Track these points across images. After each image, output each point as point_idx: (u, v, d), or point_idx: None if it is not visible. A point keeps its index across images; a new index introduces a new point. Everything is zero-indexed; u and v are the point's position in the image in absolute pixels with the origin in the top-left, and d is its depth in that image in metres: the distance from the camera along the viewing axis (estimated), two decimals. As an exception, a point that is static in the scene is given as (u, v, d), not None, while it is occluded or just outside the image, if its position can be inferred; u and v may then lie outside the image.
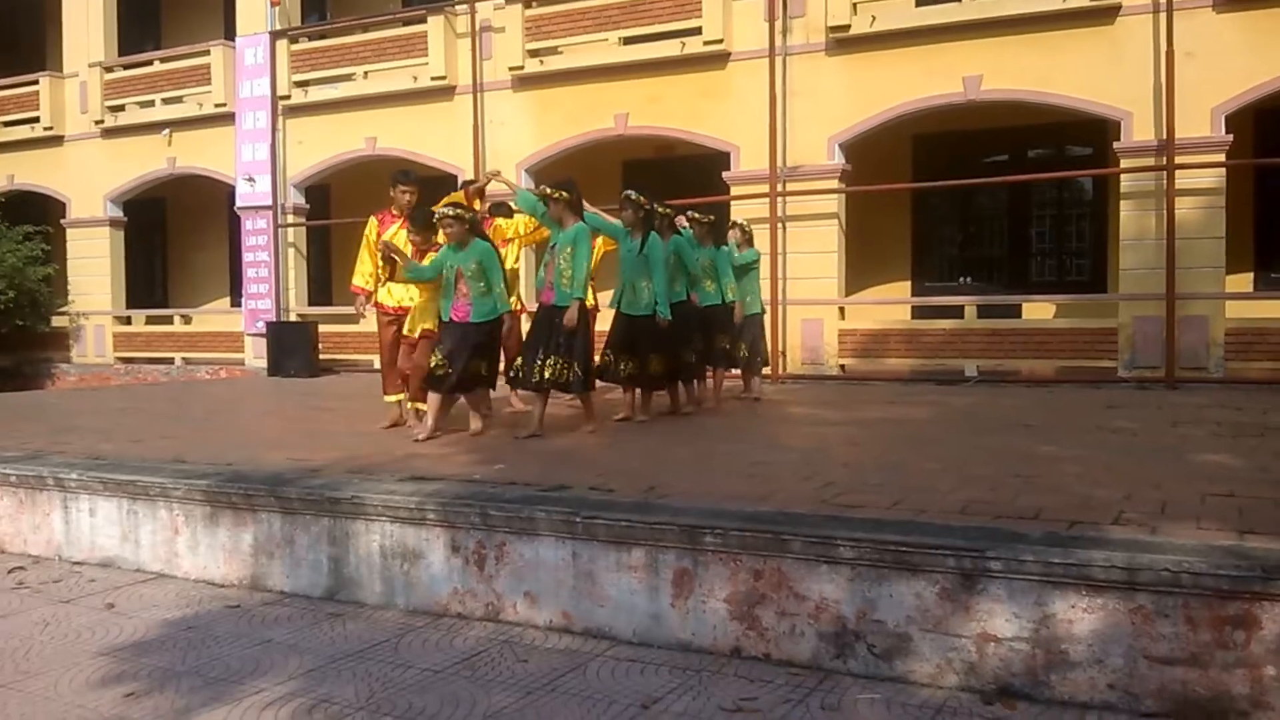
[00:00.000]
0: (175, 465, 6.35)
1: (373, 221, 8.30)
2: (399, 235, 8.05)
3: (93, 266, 19.29)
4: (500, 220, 9.09)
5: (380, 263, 8.19)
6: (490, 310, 7.37)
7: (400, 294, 8.16)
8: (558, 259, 7.50)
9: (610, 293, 8.50)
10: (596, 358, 7.92)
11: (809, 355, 13.36)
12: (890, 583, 3.96)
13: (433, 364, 7.35)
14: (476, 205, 8.78)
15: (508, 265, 9.14)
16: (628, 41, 14.25)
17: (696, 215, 9.48)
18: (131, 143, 18.72)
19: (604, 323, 8.49)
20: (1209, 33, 11.29)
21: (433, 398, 7.53)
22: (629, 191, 8.24)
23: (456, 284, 7.34)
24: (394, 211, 8.24)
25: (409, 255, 7.72)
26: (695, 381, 9.21)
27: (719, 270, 9.42)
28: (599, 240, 8.45)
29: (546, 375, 7.41)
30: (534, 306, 8.11)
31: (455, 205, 7.63)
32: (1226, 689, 3.50)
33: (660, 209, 8.62)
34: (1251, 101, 11.31)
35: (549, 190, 7.65)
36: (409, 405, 8.09)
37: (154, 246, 21.20)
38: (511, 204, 8.82)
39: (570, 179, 7.85)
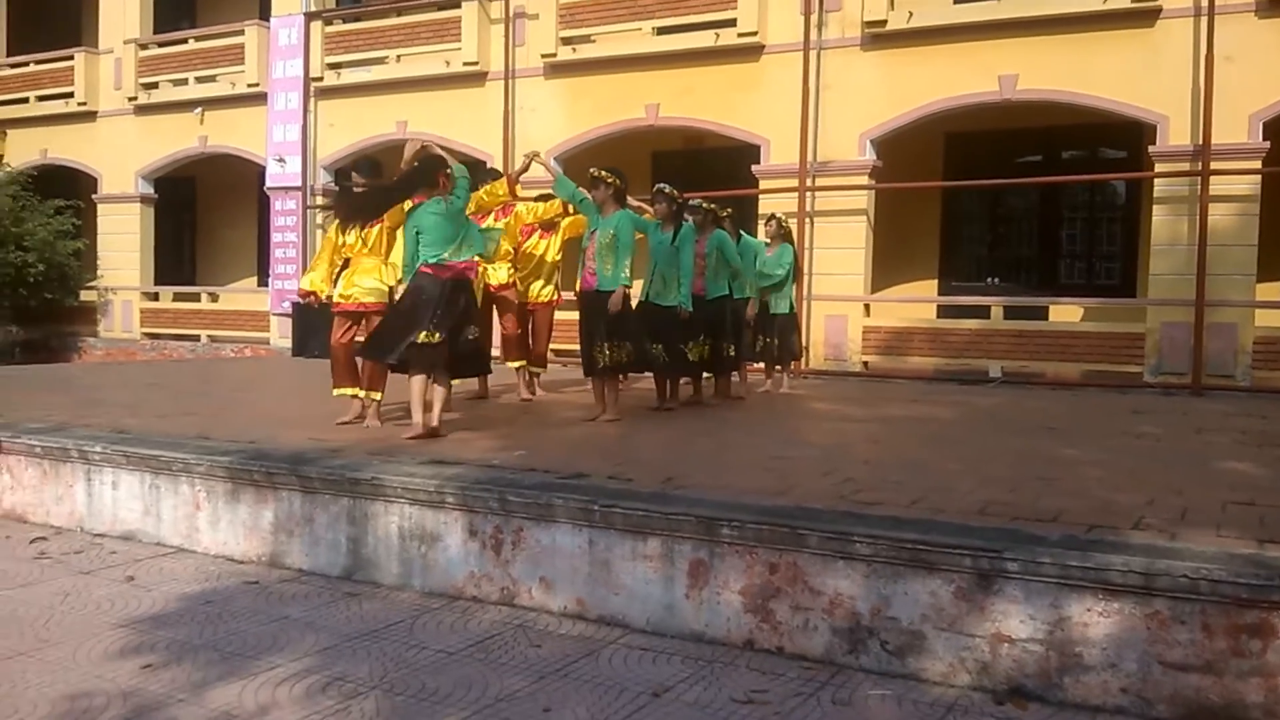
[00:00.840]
0: (198, 441, 6.40)
1: (335, 223, 7.61)
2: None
3: (122, 242, 19.45)
4: (521, 206, 9.05)
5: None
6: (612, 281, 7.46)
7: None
8: (597, 246, 7.54)
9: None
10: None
11: (832, 351, 13.32)
12: (906, 580, 3.95)
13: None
14: (518, 191, 8.81)
15: (548, 257, 9.21)
16: (661, 31, 14.22)
17: (728, 211, 9.62)
18: (164, 120, 18.85)
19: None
20: (1249, 37, 11.16)
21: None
22: (662, 185, 8.31)
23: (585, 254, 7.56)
24: None
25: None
26: (723, 374, 9.34)
27: (744, 265, 9.48)
28: (566, 221, 8.85)
29: (609, 360, 7.56)
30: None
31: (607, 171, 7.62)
32: (1240, 697, 3.48)
33: (706, 205, 8.85)
34: (1291, 108, 11.19)
35: (601, 172, 7.66)
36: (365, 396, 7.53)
37: (183, 224, 21.35)
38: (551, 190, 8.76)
39: (619, 169, 7.85)
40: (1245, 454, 6.60)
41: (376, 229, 7.40)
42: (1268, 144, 11.18)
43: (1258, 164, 11.26)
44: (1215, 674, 3.52)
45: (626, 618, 4.53)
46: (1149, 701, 3.59)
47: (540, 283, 9.20)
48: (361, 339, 7.30)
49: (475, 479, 5.12)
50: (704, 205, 8.94)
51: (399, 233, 7.25)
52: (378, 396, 7.47)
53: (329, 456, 5.80)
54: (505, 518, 4.86)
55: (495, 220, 8.79)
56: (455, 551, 5.01)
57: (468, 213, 7.65)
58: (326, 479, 5.42)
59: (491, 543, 4.90)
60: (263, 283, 18.91)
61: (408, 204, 7.17)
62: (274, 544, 5.62)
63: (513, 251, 8.97)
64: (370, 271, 7.39)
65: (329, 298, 7.55)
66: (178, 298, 19.50)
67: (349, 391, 7.54)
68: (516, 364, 9.24)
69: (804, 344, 11.93)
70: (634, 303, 8.19)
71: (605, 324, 7.51)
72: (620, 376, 7.97)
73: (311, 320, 15.68)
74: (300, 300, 7.80)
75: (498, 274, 8.88)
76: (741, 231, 9.92)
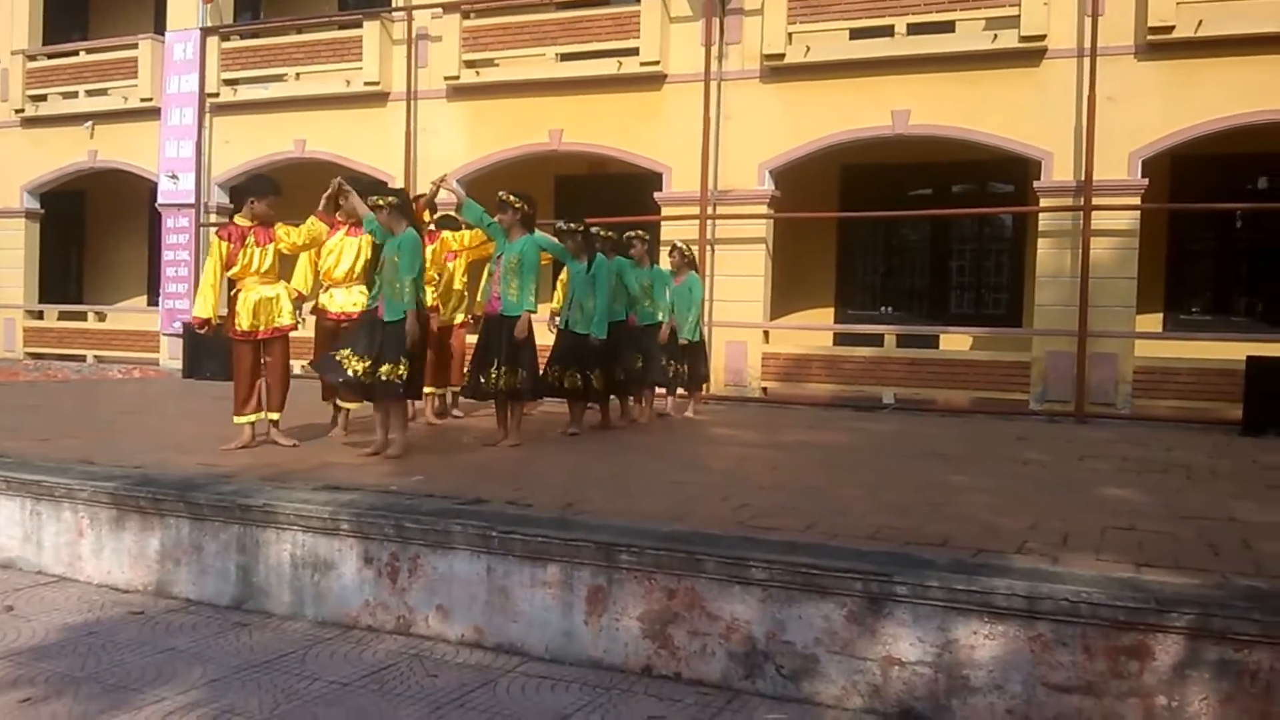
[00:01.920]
0: (82, 466, 6.20)
1: (218, 243, 7.32)
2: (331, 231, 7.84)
3: (6, 259, 18.76)
4: (447, 233, 9.09)
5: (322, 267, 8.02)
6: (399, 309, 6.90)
7: (343, 300, 8.02)
8: (503, 270, 7.53)
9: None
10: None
11: (732, 377, 13.47)
12: (800, 604, 4.01)
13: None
14: (426, 217, 8.77)
15: (456, 281, 9.21)
16: (565, 58, 14.30)
17: (641, 234, 9.79)
18: (53, 134, 18.28)
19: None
20: (1130, 79, 11.67)
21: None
22: (568, 223, 8.49)
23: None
24: (238, 222, 7.45)
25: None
26: (630, 399, 9.57)
27: (655, 291, 9.70)
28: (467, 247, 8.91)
29: (501, 385, 7.51)
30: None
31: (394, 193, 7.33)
32: (1121, 717, 3.61)
33: (603, 233, 8.89)
34: (1168, 147, 11.70)
35: (509, 196, 7.65)
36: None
37: (70, 241, 20.66)
38: (454, 213, 8.74)
39: (529, 193, 7.87)
40: (1125, 480, 6.85)
41: (271, 249, 7.32)
42: (1146, 181, 11.68)
43: (1137, 200, 11.75)
44: (1096, 695, 3.64)
45: (525, 645, 4.51)
46: (1032, 721, 3.70)
47: (452, 305, 9.19)
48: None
49: (371, 505, 5.06)
50: (600, 232, 8.96)
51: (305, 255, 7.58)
52: (275, 416, 7.52)
53: (219, 482, 5.66)
54: (402, 545, 4.81)
55: (426, 242, 8.67)
56: (350, 580, 4.93)
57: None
58: (216, 505, 5.30)
59: (387, 570, 4.84)
60: (153, 302, 18.41)
61: (312, 227, 7.41)
62: (160, 572, 5.46)
63: (437, 277, 8.91)
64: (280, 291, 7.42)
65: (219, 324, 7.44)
66: (63, 316, 18.87)
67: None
68: (430, 390, 9.15)
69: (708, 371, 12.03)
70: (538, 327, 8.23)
71: (506, 348, 7.50)
72: (525, 401, 7.99)
73: (203, 341, 15.32)
74: (197, 329, 7.63)
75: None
76: (653, 262, 10.03)
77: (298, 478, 5.88)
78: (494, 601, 4.59)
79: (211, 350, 15.12)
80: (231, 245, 7.26)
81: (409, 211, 7.19)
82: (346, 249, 8.01)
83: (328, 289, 8.15)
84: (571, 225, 8.48)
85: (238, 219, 7.45)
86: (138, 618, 5.00)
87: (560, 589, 4.45)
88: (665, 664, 4.23)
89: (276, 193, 7.51)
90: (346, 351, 6.84)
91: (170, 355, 16.83)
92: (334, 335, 7.83)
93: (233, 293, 7.39)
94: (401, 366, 6.79)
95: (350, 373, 6.79)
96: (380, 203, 7.03)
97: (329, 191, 7.55)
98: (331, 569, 4.97)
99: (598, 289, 8.30)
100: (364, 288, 7.86)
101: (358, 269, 8.02)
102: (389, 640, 4.68)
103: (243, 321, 7.29)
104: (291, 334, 7.57)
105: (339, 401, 8.20)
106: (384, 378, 6.79)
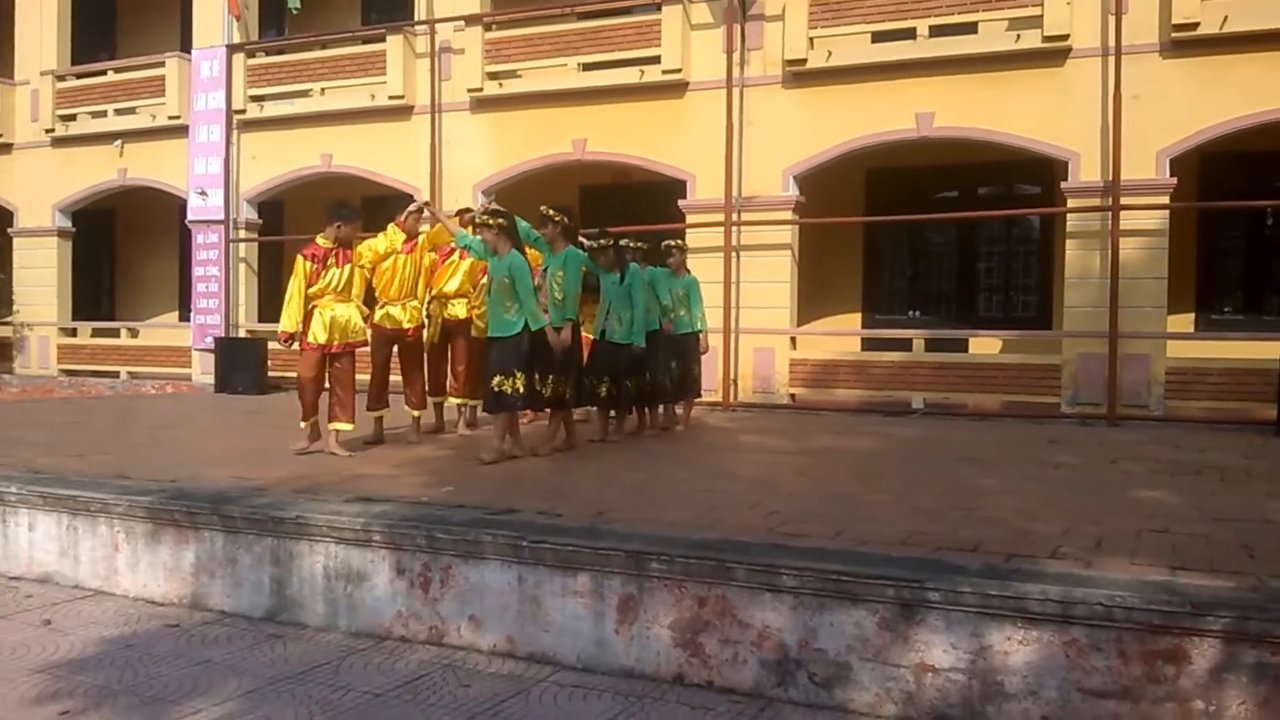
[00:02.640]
0: (117, 481, 6.27)
1: (302, 262, 7.83)
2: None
3: (39, 277, 18.99)
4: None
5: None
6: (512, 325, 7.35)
7: (399, 315, 8.58)
8: (549, 282, 7.67)
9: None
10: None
11: (760, 384, 13.44)
12: (831, 611, 4.00)
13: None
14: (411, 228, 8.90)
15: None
16: (587, 68, 14.33)
17: (679, 243, 9.99)
18: (82, 153, 18.49)
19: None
20: (1156, 77, 11.58)
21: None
22: (597, 239, 8.58)
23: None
24: (320, 243, 7.86)
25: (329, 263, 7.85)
26: (661, 407, 9.69)
27: (691, 299, 9.77)
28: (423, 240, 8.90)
29: (548, 394, 7.65)
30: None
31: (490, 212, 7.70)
32: (1156, 722, 3.58)
33: (633, 244, 9.02)
34: (1196, 145, 11.58)
35: (550, 210, 7.84)
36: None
37: (102, 258, 20.90)
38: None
39: (570, 206, 8.15)
40: (1159, 483, 6.79)
41: (349, 269, 7.85)
42: (1175, 180, 11.58)
43: (1165, 199, 11.65)
44: (1132, 700, 3.62)
45: (557, 655, 4.52)
46: (1068, 727, 3.67)
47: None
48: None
49: (402, 516, 5.09)
50: (630, 243, 9.05)
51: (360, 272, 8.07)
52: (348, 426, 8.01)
53: (253, 495, 5.72)
54: (433, 555, 4.84)
55: (460, 259, 8.96)
56: (382, 590, 4.96)
57: (424, 253, 8.67)
58: (250, 518, 5.35)
59: (419, 581, 4.87)
60: (184, 317, 18.58)
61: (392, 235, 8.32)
62: (195, 586, 5.52)
63: (472, 289, 9.06)
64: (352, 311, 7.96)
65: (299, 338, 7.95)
66: (96, 333, 19.07)
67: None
68: (462, 400, 9.34)
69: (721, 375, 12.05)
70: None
71: (558, 359, 7.60)
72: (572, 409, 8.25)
73: (235, 356, 15.48)
74: (281, 343, 8.09)
75: (457, 309, 9.02)
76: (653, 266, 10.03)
77: (330, 490, 5.93)
78: (525, 611, 4.61)
79: (243, 365, 15.30)
80: (314, 265, 7.76)
81: (515, 233, 7.53)
82: (401, 268, 8.51)
83: (383, 306, 8.60)
84: (601, 242, 8.56)
85: (320, 240, 7.87)
86: (173, 630, 5.05)
87: (591, 598, 4.46)
88: (697, 672, 4.24)
89: (358, 217, 8.04)
90: (498, 378, 7.31)
91: (203, 370, 16.98)
92: (390, 344, 8.65)
93: (309, 308, 7.84)
94: (519, 380, 7.28)
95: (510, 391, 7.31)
96: (491, 223, 7.41)
97: (413, 208, 8.45)
98: (364, 580, 5.01)
99: (634, 299, 8.46)
100: (417, 303, 8.67)
101: (409, 286, 8.62)
102: (422, 651, 4.71)
103: (318, 336, 7.79)
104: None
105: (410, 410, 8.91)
106: (496, 390, 7.31)
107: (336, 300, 7.82)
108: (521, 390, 7.31)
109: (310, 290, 7.78)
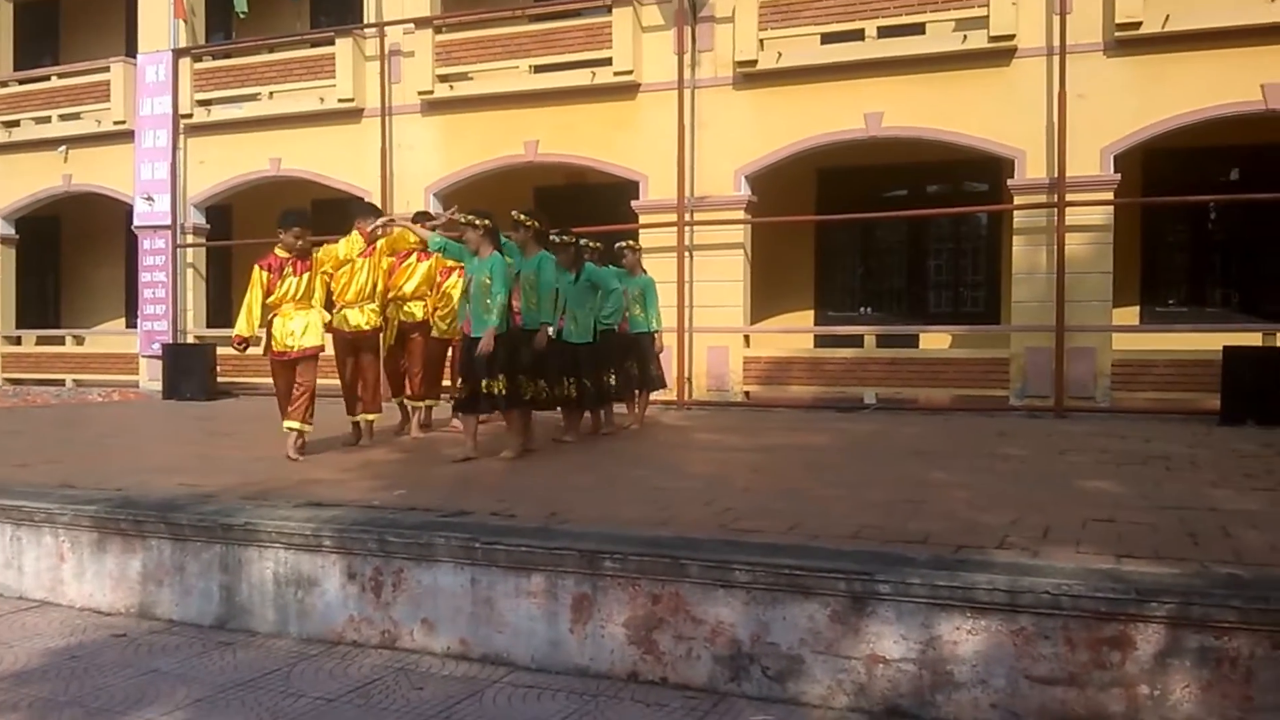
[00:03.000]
0: (62, 490, 6.17)
1: (259, 272, 7.94)
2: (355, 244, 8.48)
3: (-19, 285, 18.65)
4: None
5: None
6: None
7: (356, 319, 8.59)
8: (523, 285, 7.76)
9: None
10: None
11: (714, 382, 13.48)
12: (784, 606, 4.02)
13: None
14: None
15: (455, 295, 9.29)
16: (538, 70, 14.30)
17: (631, 244, 10.05)
18: (26, 159, 18.15)
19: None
20: (1099, 75, 11.75)
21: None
22: (561, 236, 8.56)
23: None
24: (278, 253, 7.95)
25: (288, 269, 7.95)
26: (623, 404, 9.77)
27: (647, 299, 9.79)
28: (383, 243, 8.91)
29: (529, 395, 7.75)
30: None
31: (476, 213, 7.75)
32: (1104, 708, 3.63)
33: (590, 244, 9.15)
34: (1139, 143, 11.76)
35: (521, 215, 7.96)
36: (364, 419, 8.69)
37: (47, 265, 20.52)
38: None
39: (540, 211, 8.24)
40: (1105, 473, 6.89)
41: (306, 278, 7.93)
42: (1119, 176, 11.76)
43: (1110, 195, 11.82)
44: (1079, 686, 3.66)
45: (511, 656, 4.51)
46: (1018, 715, 3.72)
47: (450, 320, 9.22)
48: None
49: (353, 520, 5.05)
50: (588, 244, 9.17)
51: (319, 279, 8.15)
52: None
53: (200, 502, 5.65)
54: (385, 559, 4.80)
55: (418, 261, 9.09)
56: (333, 595, 4.92)
57: (382, 257, 8.75)
58: (198, 526, 5.28)
59: (371, 585, 4.83)
60: (131, 324, 18.32)
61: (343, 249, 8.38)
62: (143, 595, 5.44)
63: (429, 291, 9.17)
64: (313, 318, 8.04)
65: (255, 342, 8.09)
66: (41, 341, 18.75)
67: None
68: (421, 401, 9.35)
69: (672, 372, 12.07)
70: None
71: (529, 361, 7.66)
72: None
73: (183, 362, 15.28)
74: (235, 347, 8.18)
75: (414, 310, 9.11)
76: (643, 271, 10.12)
77: (279, 495, 5.87)
78: (479, 613, 4.59)
79: (191, 371, 15.10)
80: (270, 275, 7.88)
81: (496, 236, 7.63)
82: (359, 271, 8.54)
83: (340, 309, 8.59)
84: (564, 238, 8.56)
85: (277, 250, 7.98)
86: (121, 640, 4.97)
87: (545, 598, 4.46)
88: (651, 669, 4.24)
89: (300, 223, 8.05)
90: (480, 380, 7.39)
91: (150, 377, 16.73)
92: (352, 347, 8.63)
93: (270, 317, 7.94)
94: (500, 382, 7.37)
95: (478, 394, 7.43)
96: (477, 223, 7.51)
97: (382, 222, 8.62)
98: (315, 586, 4.96)
99: (586, 298, 8.56)
100: (375, 306, 8.65)
101: (367, 289, 8.61)
102: (374, 655, 4.67)
103: (277, 343, 7.90)
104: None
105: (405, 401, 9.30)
106: (486, 391, 7.41)
107: (296, 308, 7.88)
108: (504, 390, 7.40)
109: (269, 300, 7.87)
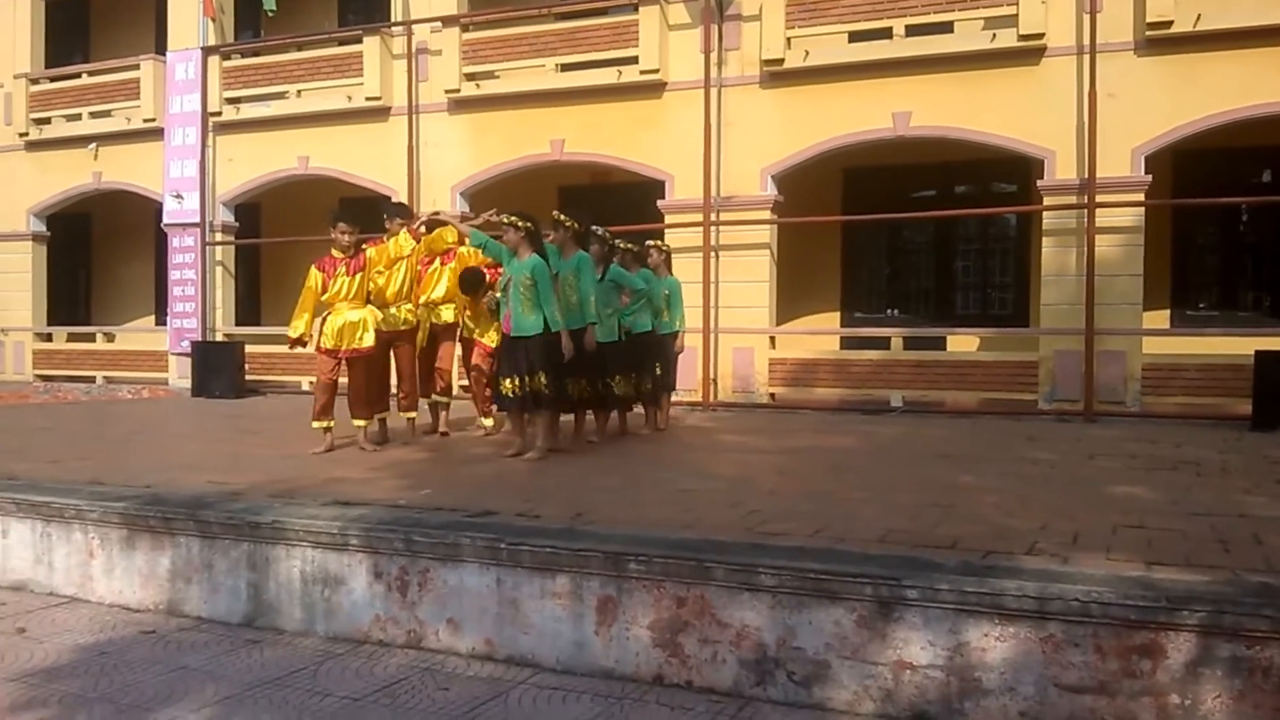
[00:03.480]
0: (92, 487, 6.23)
1: (314, 272, 8.23)
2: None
3: (13, 282, 18.83)
4: (463, 249, 9.20)
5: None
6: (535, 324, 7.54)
7: (395, 316, 8.74)
8: (562, 285, 7.85)
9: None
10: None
11: (740, 383, 13.46)
12: (810, 610, 4.00)
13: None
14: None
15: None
16: (565, 68, 14.32)
17: (658, 244, 10.02)
18: (57, 156, 18.35)
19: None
20: (1130, 75, 11.65)
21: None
22: (595, 227, 8.61)
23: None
24: (334, 254, 8.25)
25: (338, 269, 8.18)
26: (644, 408, 9.73)
27: (673, 301, 9.81)
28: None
29: (574, 394, 8.00)
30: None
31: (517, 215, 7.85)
32: (1134, 717, 3.60)
33: (624, 244, 9.32)
34: (1170, 143, 11.65)
35: (561, 216, 8.04)
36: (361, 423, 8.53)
37: (77, 262, 20.73)
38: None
39: (581, 212, 8.33)
40: (1135, 478, 6.83)
41: (359, 278, 8.19)
42: (1149, 177, 11.65)
43: (1140, 196, 11.72)
44: (1109, 695, 3.63)
45: (536, 657, 4.51)
46: (1046, 723, 3.68)
47: (485, 322, 9.22)
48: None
49: (380, 519, 5.07)
50: (623, 244, 9.31)
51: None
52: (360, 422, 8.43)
53: (228, 500, 5.68)
54: (411, 558, 4.81)
55: (443, 264, 9.19)
56: (360, 594, 4.94)
57: (418, 258, 8.91)
58: (226, 523, 5.31)
59: (397, 584, 4.85)
60: (160, 321, 18.48)
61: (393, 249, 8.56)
62: (171, 591, 5.48)
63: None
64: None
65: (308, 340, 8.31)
66: (72, 338, 18.93)
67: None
68: (445, 399, 9.44)
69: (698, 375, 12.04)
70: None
71: (574, 361, 7.72)
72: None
73: (212, 360, 15.39)
74: (289, 347, 8.53)
75: (444, 314, 9.20)
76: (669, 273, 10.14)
77: (306, 494, 5.90)
78: (504, 613, 4.60)
79: (220, 369, 15.21)
80: (324, 275, 8.15)
81: (538, 238, 7.77)
82: (397, 272, 8.69)
83: (380, 308, 8.71)
84: (602, 232, 8.71)
85: (333, 250, 8.25)
86: (149, 637, 5.01)
87: (570, 599, 4.45)
88: (676, 673, 4.23)
89: (340, 220, 8.25)
90: (507, 382, 7.60)
91: (179, 375, 16.87)
92: (388, 346, 8.77)
93: (323, 315, 8.24)
94: (542, 378, 7.50)
95: (509, 394, 7.59)
96: (519, 224, 7.62)
97: (426, 216, 8.83)
98: (341, 584, 4.98)
99: (611, 298, 8.65)
100: (411, 305, 8.83)
101: (405, 290, 8.78)
102: (400, 655, 4.69)
103: (327, 340, 8.15)
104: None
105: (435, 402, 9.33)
106: (530, 389, 7.54)
107: (350, 307, 8.16)
108: (547, 389, 7.52)
109: (324, 298, 8.15)
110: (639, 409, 9.65)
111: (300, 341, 8.24)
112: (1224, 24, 11.15)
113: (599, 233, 8.64)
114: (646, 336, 9.19)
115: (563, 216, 8.04)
